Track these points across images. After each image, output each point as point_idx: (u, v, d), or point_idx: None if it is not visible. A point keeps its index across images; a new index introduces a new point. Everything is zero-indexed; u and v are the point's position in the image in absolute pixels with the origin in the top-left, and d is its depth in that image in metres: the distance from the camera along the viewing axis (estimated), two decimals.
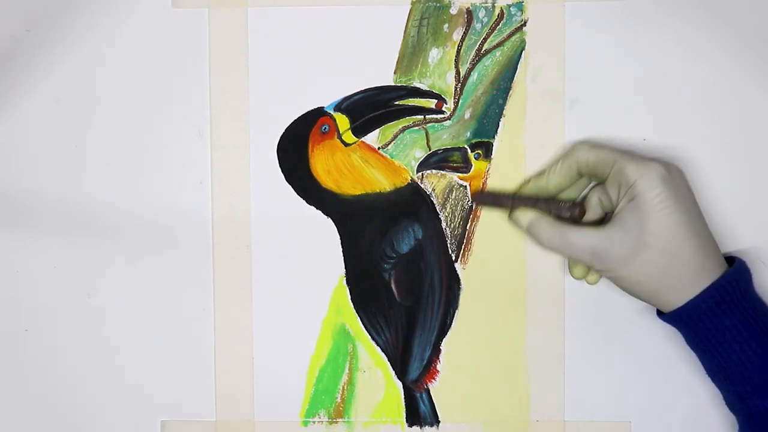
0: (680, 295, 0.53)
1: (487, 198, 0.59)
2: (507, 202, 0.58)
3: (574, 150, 0.56)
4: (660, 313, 0.56)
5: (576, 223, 0.56)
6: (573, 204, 0.56)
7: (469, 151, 0.60)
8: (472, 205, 0.60)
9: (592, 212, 0.57)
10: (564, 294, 0.60)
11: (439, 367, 0.61)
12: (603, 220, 0.57)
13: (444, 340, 0.61)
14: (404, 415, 0.61)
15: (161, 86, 0.60)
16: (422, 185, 0.60)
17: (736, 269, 0.54)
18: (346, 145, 0.60)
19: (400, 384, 0.61)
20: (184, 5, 0.60)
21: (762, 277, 0.58)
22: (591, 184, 0.58)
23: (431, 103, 0.60)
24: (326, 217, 0.61)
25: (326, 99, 0.60)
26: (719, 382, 0.55)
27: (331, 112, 0.60)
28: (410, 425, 0.61)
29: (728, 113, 0.59)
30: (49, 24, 0.60)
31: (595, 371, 0.60)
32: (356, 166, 0.60)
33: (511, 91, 0.59)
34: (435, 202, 0.60)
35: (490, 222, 0.60)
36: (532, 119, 0.59)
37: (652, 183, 0.52)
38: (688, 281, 0.53)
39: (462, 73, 0.60)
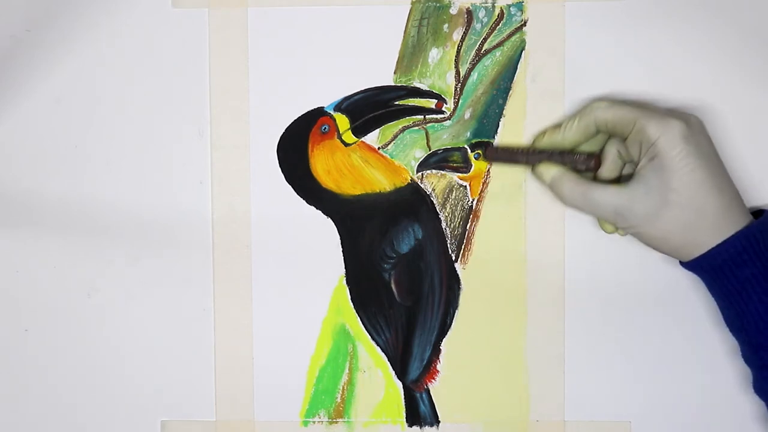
0: (703, 248, 0.53)
1: (501, 155, 0.58)
2: (521, 157, 0.57)
3: (591, 108, 0.55)
4: (681, 262, 0.56)
5: (599, 182, 0.56)
6: (588, 156, 0.56)
7: (469, 151, 0.60)
8: (471, 205, 0.60)
9: (611, 163, 0.56)
10: (564, 294, 0.60)
11: (439, 367, 0.61)
12: (621, 173, 0.57)
13: (444, 340, 0.61)
14: (404, 415, 0.61)
15: (161, 86, 0.60)
16: (422, 185, 0.60)
17: (761, 221, 0.53)
18: (346, 145, 0.60)
19: (400, 384, 0.61)
20: (184, 5, 0.60)
21: None
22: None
23: (431, 103, 0.60)
24: (326, 217, 0.61)
25: (326, 99, 0.60)
26: (735, 331, 0.55)
27: (331, 112, 0.60)
28: (410, 425, 0.61)
29: (728, 113, 0.59)
30: (49, 24, 0.60)
31: (595, 371, 0.60)
32: (356, 166, 0.60)
33: (511, 91, 0.59)
34: (435, 202, 0.60)
35: (490, 222, 0.60)
36: (532, 119, 0.59)
37: (674, 141, 0.52)
38: (711, 234, 0.53)
39: (462, 73, 0.60)
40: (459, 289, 0.60)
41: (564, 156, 0.56)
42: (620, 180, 0.57)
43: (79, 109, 0.61)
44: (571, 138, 0.56)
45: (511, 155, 0.58)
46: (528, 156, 0.57)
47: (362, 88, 0.60)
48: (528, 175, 0.59)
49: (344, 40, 0.60)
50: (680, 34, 0.59)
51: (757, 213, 0.55)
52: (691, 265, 0.55)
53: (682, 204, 0.52)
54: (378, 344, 0.61)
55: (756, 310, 0.52)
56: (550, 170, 0.56)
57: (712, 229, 0.53)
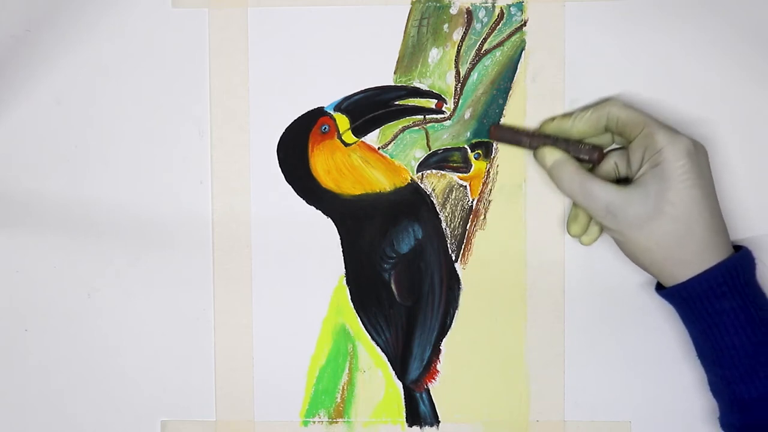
0: (685, 270, 0.53)
1: (505, 134, 0.58)
2: (525, 140, 0.57)
3: (606, 104, 0.56)
4: (659, 289, 0.56)
5: (598, 176, 0.56)
6: (593, 147, 0.56)
7: (469, 151, 0.60)
8: (471, 205, 0.60)
9: (605, 173, 0.57)
10: (564, 294, 0.60)
11: (439, 367, 0.61)
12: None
13: (444, 340, 0.61)
14: (404, 415, 0.61)
15: (161, 86, 0.60)
16: (422, 185, 0.60)
17: (742, 255, 0.54)
18: (346, 145, 0.60)
19: (400, 384, 0.61)
20: (184, 5, 0.60)
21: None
22: (611, 146, 0.58)
23: (431, 103, 0.60)
24: (326, 217, 0.61)
25: (326, 99, 0.60)
26: (708, 364, 0.55)
27: (331, 112, 0.60)
28: (410, 425, 0.61)
29: (728, 113, 0.59)
30: (49, 24, 0.60)
31: (595, 371, 0.60)
32: (356, 166, 0.60)
33: (511, 91, 0.59)
34: (435, 202, 0.60)
35: (490, 222, 0.60)
36: (532, 119, 0.59)
37: (679, 154, 0.52)
38: (696, 256, 0.53)
39: (462, 73, 0.60)
40: (459, 289, 0.60)
41: (569, 143, 0.56)
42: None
43: (79, 109, 0.61)
44: (579, 128, 0.56)
45: (515, 135, 0.58)
46: (532, 139, 0.57)
47: (362, 88, 0.60)
48: (528, 175, 0.59)
49: (344, 40, 0.60)
50: (680, 34, 0.59)
51: (736, 249, 0.55)
52: (669, 293, 0.55)
53: (674, 216, 0.52)
54: (378, 344, 0.61)
55: (732, 343, 0.52)
56: (554, 154, 0.56)
57: (697, 250, 0.53)
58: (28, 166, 0.61)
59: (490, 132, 0.59)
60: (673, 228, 0.52)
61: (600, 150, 0.56)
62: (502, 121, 0.59)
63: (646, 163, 0.54)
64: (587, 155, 0.56)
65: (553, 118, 0.58)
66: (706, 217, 0.53)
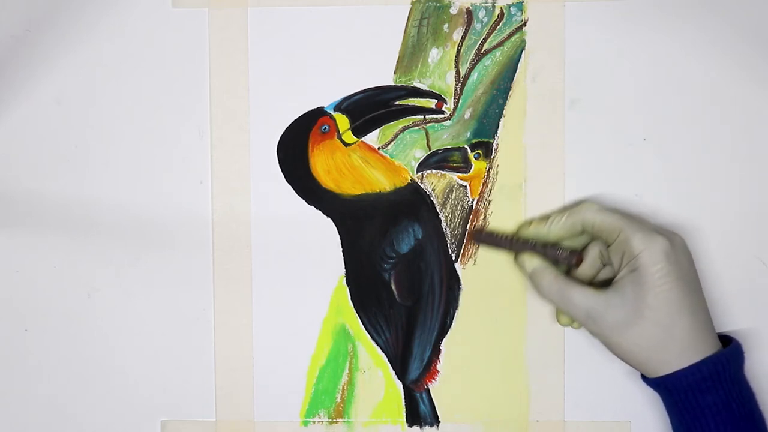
0: (668, 368, 0.53)
1: (485, 238, 0.59)
2: (505, 244, 0.58)
3: (581, 209, 0.56)
4: (644, 377, 0.56)
5: (577, 281, 0.56)
6: (571, 252, 0.56)
7: (469, 151, 0.60)
8: (471, 205, 0.60)
9: (591, 263, 0.57)
10: None
11: (439, 367, 0.61)
12: (599, 275, 0.57)
13: (444, 340, 0.61)
14: (404, 415, 0.61)
15: (161, 86, 0.60)
16: (422, 185, 0.60)
17: (729, 350, 0.54)
18: (346, 145, 0.60)
19: (400, 384, 0.61)
20: (184, 5, 0.60)
21: (763, 280, 0.58)
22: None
23: (431, 103, 0.60)
24: (326, 217, 0.61)
25: (326, 99, 0.60)
26: None
27: (331, 112, 0.60)
28: (410, 425, 0.61)
29: (728, 113, 0.59)
30: (49, 24, 0.60)
31: (595, 371, 0.60)
32: (356, 166, 0.60)
33: (511, 91, 0.59)
34: (435, 202, 0.60)
35: (490, 222, 0.60)
36: (532, 119, 0.59)
37: (656, 257, 0.52)
38: (678, 356, 0.53)
39: (462, 73, 0.60)
40: (459, 289, 0.60)
41: (547, 249, 0.57)
42: (596, 284, 0.57)
43: (79, 109, 0.61)
44: (555, 232, 0.56)
45: (495, 240, 0.58)
46: (512, 243, 0.58)
47: (362, 88, 0.60)
48: (528, 175, 0.59)
49: (344, 40, 0.60)
50: (680, 34, 0.59)
51: (724, 338, 0.55)
52: (654, 383, 0.55)
53: (654, 321, 0.52)
54: (378, 344, 0.61)
55: None
56: (533, 261, 0.57)
57: (680, 351, 0.53)
58: (28, 166, 0.61)
59: (470, 235, 0.59)
60: (653, 332, 0.52)
61: (578, 254, 0.56)
62: (502, 121, 0.59)
63: (624, 266, 0.54)
64: (566, 261, 0.56)
65: (530, 222, 0.58)
66: (687, 318, 0.52)
